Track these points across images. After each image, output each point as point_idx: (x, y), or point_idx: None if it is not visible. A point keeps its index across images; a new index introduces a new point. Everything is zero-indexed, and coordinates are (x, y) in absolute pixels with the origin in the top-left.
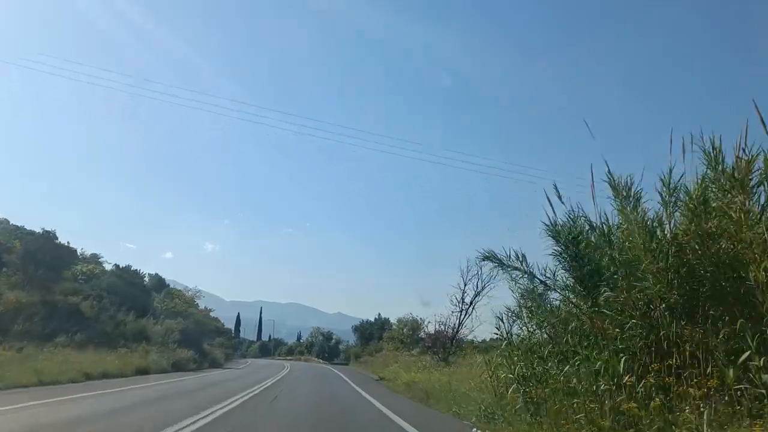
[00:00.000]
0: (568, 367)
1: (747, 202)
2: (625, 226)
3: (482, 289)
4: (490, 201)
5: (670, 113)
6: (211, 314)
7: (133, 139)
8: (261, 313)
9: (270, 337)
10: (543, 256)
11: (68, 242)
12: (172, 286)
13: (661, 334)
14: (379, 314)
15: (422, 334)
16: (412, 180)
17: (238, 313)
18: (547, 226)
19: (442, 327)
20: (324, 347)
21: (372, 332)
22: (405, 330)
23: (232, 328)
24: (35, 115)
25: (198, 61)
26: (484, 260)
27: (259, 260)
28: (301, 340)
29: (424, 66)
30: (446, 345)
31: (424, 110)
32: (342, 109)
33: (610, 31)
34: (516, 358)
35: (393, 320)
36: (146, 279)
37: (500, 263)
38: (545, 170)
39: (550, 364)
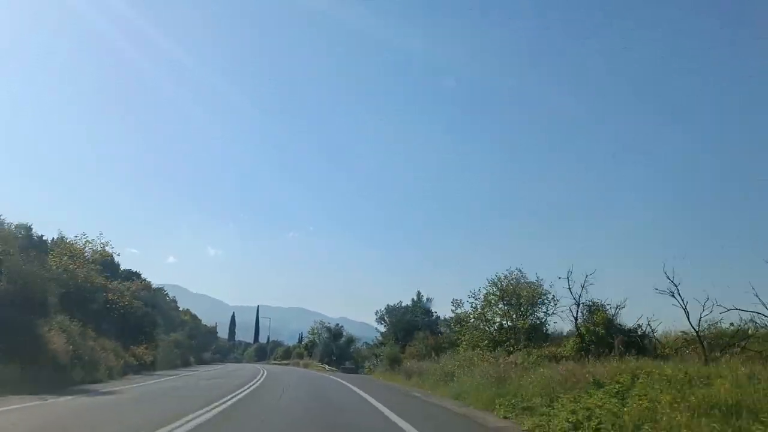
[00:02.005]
0: None
1: None
2: None
3: None
4: (490, 201)
5: (676, 114)
6: (215, 321)
7: (134, 142)
8: (258, 312)
9: (268, 338)
10: None
11: None
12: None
13: None
14: (419, 293)
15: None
16: (414, 180)
17: (233, 314)
18: None
19: None
20: (330, 347)
21: (414, 320)
22: (507, 307)
23: (246, 332)
24: (35, 116)
25: (198, 63)
26: None
27: (263, 264)
28: (303, 341)
29: (426, 67)
30: None
31: (427, 111)
32: (343, 109)
33: (615, 32)
34: None
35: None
36: None
37: None
38: None
39: None
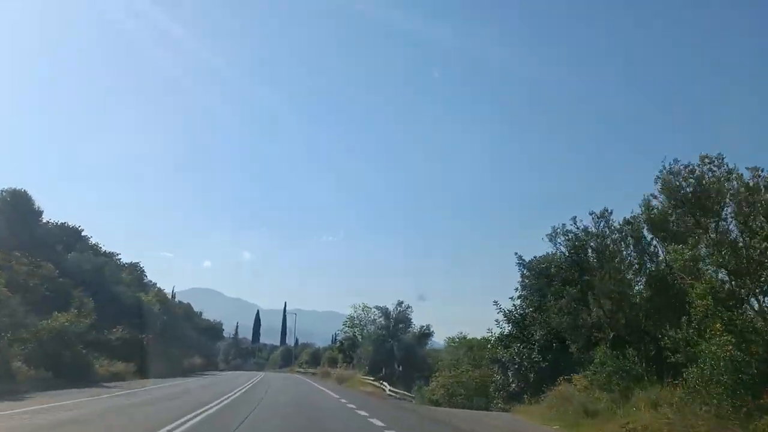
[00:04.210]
0: None
1: None
2: None
3: None
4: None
5: (672, 104)
6: (247, 323)
7: (171, 148)
8: (285, 310)
9: (296, 341)
10: None
11: None
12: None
13: None
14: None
15: None
16: (453, 183)
17: (257, 313)
18: None
19: None
20: (387, 346)
21: None
22: None
23: (274, 335)
24: (71, 120)
25: (227, 64)
26: None
27: (297, 268)
28: (338, 339)
29: (433, 57)
30: None
31: (419, 105)
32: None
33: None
34: None
35: None
36: None
37: None
38: None
39: None
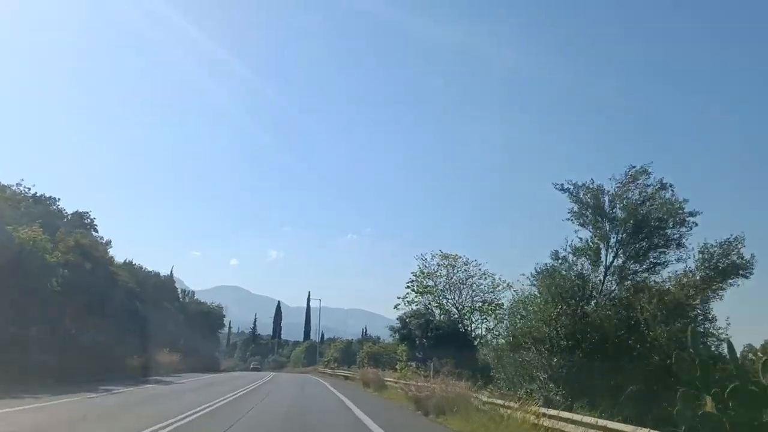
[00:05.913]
0: None
1: None
2: None
3: None
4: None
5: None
6: (266, 318)
7: (197, 153)
8: (308, 300)
9: (322, 336)
10: None
11: None
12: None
13: None
14: None
15: None
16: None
17: (278, 304)
18: None
19: None
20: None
21: None
22: None
23: (302, 334)
24: (92, 122)
25: (242, 65)
26: None
27: (322, 266)
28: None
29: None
30: None
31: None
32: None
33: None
34: None
35: None
36: None
37: None
38: None
39: None
